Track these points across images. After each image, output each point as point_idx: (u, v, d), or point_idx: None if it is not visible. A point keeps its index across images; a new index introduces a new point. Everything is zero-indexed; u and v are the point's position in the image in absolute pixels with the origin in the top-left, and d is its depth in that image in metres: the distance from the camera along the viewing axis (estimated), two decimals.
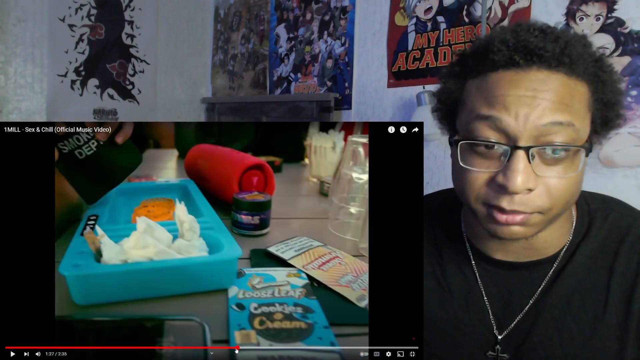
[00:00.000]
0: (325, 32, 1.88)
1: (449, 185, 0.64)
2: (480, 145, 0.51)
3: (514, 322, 0.60)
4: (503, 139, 0.50)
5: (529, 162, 0.49)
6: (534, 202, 0.51)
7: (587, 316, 0.57)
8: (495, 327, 0.61)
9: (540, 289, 0.59)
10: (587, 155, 0.51)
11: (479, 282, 0.63)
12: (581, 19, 1.18)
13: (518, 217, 0.51)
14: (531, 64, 0.49)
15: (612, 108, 0.53)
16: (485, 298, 0.62)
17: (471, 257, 0.63)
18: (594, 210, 0.60)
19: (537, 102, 0.48)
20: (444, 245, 0.66)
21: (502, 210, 0.51)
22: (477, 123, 0.51)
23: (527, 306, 0.60)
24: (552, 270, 0.59)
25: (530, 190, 0.50)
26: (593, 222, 0.60)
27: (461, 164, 0.53)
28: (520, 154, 0.49)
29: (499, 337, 0.61)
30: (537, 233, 0.54)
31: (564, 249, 0.59)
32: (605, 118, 0.53)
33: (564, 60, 0.49)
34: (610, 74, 0.53)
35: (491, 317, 0.62)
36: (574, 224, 0.60)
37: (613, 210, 0.60)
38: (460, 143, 0.53)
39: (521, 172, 0.49)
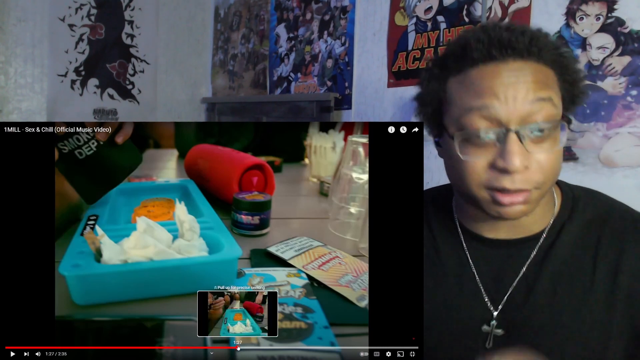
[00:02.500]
0: (325, 32, 1.88)
1: None
2: (475, 136, 0.56)
3: (506, 297, 0.63)
4: (495, 126, 0.55)
5: (521, 142, 0.55)
6: (532, 177, 0.56)
7: (576, 288, 0.61)
8: (489, 303, 0.64)
9: (527, 263, 0.63)
10: (569, 127, 0.58)
11: (471, 262, 0.66)
12: (581, 18, 1.18)
13: (520, 197, 0.56)
14: (506, 56, 0.56)
15: (575, 86, 0.60)
16: (477, 276, 0.65)
17: (462, 239, 0.67)
18: (577, 195, 0.66)
19: (521, 85, 0.55)
20: (437, 231, 0.70)
21: (505, 191, 0.56)
22: (469, 115, 0.56)
23: (516, 280, 0.63)
24: (537, 246, 0.63)
25: (526, 167, 0.55)
26: (577, 204, 0.65)
27: (461, 156, 0.57)
28: (513, 136, 0.55)
29: (495, 313, 0.64)
30: (534, 209, 0.59)
31: (549, 227, 0.64)
32: (572, 96, 0.60)
33: (533, 50, 0.56)
34: (569, 59, 0.60)
35: (484, 294, 0.65)
36: (556, 204, 0.65)
37: (594, 197, 0.66)
38: (456, 135, 0.57)
39: (517, 153, 0.54)
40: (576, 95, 0.61)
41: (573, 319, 0.60)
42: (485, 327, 0.64)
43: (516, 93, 0.55)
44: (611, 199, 0.66)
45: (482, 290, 0.65)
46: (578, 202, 0.65)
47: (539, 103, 0.55)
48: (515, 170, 0.54)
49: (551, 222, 0.64)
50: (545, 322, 0.61)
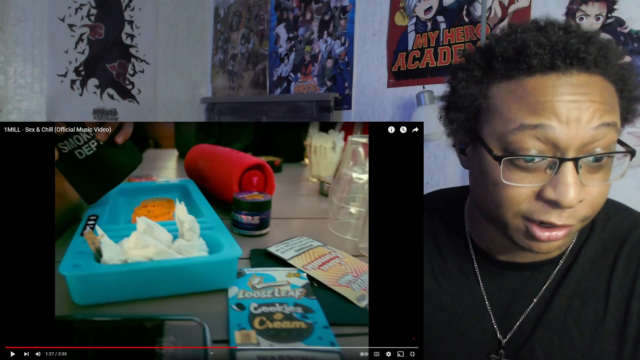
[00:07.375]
0: (325, 32, 1.88)
1: (449, 185, 0.63)
2: (524, 159, 0.49)
3: (516, 325, 0.60)
4: (549, 150, 0.48)
5: (577, 172, 0.48)
6: (580, 212, 0.49)
7: (588, 319, 0.57)
8: (497, 330, 0.61)
9: (543, 289, 0.59)
10: (631, 157, 0.51)
11: (481, 284, 0.62)
12: (581, 18, 1.18)
13: (561, 233, 0.50)
14: (570, 67, 0.48)
15: (631, 104, 0.53)
16: (487, 299, 0.61)
17: (473, 257, 0.63)
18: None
19: (587, 106, 0.47)
20: (444, 244, 0.66)
21: (548, 226, 0.50)
22: (520, 134, 0.48)
23: (529, 307, 0.59)
24: (555, 271, 0.59)
25: (580, 202, 0.49)
26: (595, 225, 0.59)
27: (503, 180, 0.49)
28: (570, 166, 0.47)
29: (503, 341, 0.60)
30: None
31: (568, 250, 0.59)
32: (624, 117, 0.53)
33: (601, 62, 0.48)
34: (630, 70, 0.52)
35: (492, 319, 0.61)
36: None
37: (614, 214, 0.60)
38: (504, 160, 0.49)
39: (573, 185, 0.47)
40: (630, 115, 0.53)
41: (582, 352, 0.56)
42: (493, 357, 0.60)
43: (581, 114, 0.47)
44: (633, 212, 0.60)
45: (491, 316, 0.61)
46: (597, 220, 0.58)
47: (604, 129, 0.47)
48: (571, 205, 0.47)
49: (571, 245, 0.58)
50: (553, 354, 0.57)
